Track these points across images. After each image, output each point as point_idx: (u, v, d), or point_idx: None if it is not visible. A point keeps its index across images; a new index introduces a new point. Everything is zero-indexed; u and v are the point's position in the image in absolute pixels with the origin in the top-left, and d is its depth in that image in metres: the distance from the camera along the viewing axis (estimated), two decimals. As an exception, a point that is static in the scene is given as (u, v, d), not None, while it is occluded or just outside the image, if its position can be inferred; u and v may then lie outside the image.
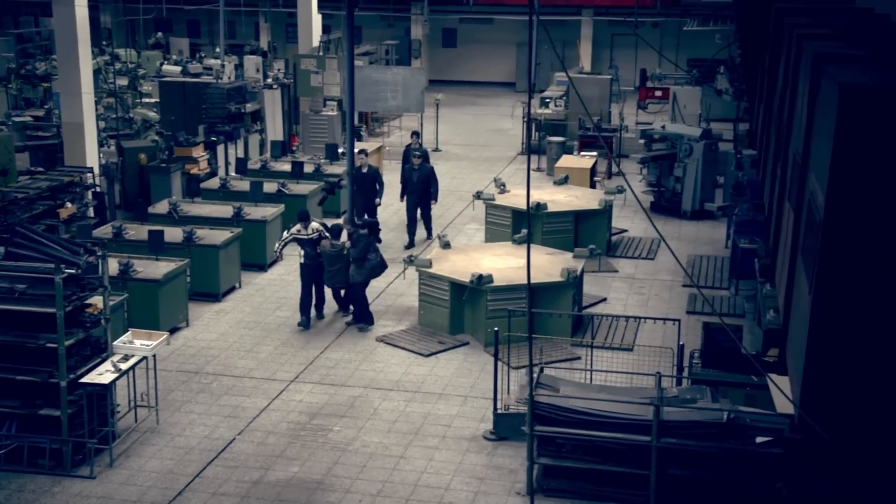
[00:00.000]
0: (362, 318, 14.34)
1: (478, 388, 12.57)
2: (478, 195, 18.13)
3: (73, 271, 10.19)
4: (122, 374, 10.67)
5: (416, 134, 20.09)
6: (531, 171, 24.06)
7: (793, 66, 6.77)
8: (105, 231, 15.42)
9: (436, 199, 18.51)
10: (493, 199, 17.86)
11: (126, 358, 10.90)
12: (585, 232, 17.36)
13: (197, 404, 12.00)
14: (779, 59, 8.42)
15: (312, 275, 14.47)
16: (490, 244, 16.27)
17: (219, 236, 15.38)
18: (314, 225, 14.44)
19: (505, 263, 14.56)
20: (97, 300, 10.79)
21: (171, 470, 10.50)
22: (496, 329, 11.40)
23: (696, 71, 26.90)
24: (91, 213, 16.99)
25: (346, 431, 11.40)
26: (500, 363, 12.85)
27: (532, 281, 13.91)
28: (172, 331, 13.73)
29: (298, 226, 14.44)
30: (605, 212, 17.59)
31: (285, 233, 14.84)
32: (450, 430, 11.49)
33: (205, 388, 12.43)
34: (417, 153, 18.20)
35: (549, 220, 17.09)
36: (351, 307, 14.70)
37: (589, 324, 14.42)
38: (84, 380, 10.40)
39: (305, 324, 14.36)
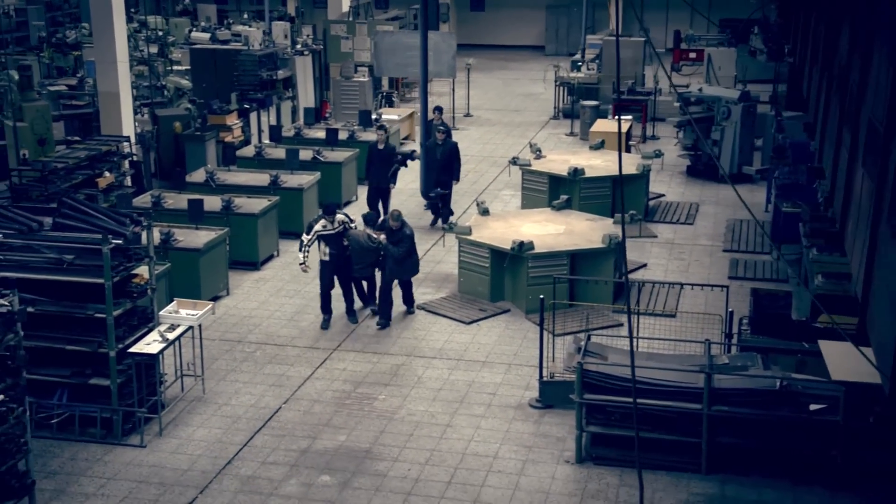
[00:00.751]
0: (385, 315, 13.28)
1: (521, 355, 12.53)
2: (514, 161, 17.97)
3: (119, 242, 10.19)
4: (170, 344, 10.70)
5: (438, 109, 18.77)
6: (565, 136, 23.91)
7: (865, 32, 6.56)
8: (143, 200, 15.42)
9: (457, 179, 17.28)
10: (530, 165, 17.70)
11: (172, 328, 10.92)
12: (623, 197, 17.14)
13: (241, 373, 12.03)
14: (839, 22, 8.20)
15: (336, 271, 13.29)
16: (529, 210, 16.15)
17: (257, 205, 15.35)
18: (340, 217, 13.13)
19: (545, 230, 14.44)
20: (143, 270, 10.80)
21: (220, 439, 10.55)
22: (541, 297, 11.31)
23: (730, 31, 26.46)
24: (128, 182, 17.00)
25: (392, 400, 11.40)
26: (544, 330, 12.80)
27: (573, 247, 13.89)
28: (213, 299, 13.74)
29: (323, 220, 13.04)
30: (643, 176, 17.40)
31: (305, 236, 13.14)
32: (495, 398, 11.46)
33: (248, 357, 12.46)
34: (441, 128, 17.10)
35: (587, 185, 16.92)
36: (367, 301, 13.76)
37: (630, 290, 14.30)
38: (132, 349, 10.43)
39: (326, 324, 13.26)
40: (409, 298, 13.71)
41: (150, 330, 10.83)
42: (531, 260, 13.59)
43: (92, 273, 10.10)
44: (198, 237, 13.89)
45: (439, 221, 17.08)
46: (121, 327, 10.39)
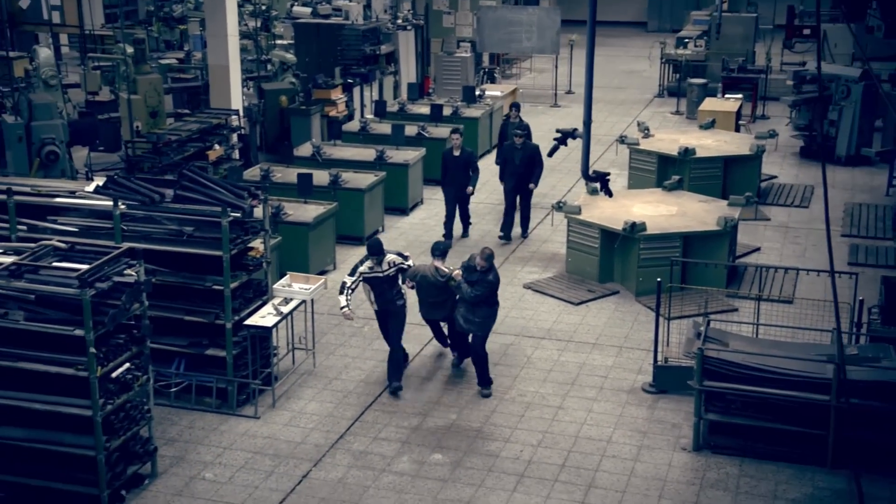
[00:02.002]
0: (485, 380, 10.92)
1: (632, 338, 12.27)
2: (622, 139, 17.59)
3: (238, 215, 10.26)
4: (284, 317, 10.76)
5: (515, 106, 17.05)
6: (671, 115, 23.32)
7: None
8: (252, 173, 15.57)
9: (536, 184, 15.45)
10: (638, 144, 17.30)
11: (286, 301, 10.98)
12: (735, 178, 16.66)
13: (351, 348, 12.06)
14: None
15: (384, 325, 11.17)
16: (639, 190, 15.78)
17: (363, 180, 15.35)
18: (390, 258, 10.88)
19: (656, 211, 14.09)
20: (258, 244, 10.87)
21: (331, 413, 10.59)
22: (658, 280, 11.02)
23: (843, 7, 25.37)
24: (237, 155, 17.20)
25: (502, 380, 11.28)
26: (654, 312, 12.51)
27: (686, 229, 13.52)
28: (320, 273, 13.79)
29: (369, 261, 10.80)
30: (757, 157, 16.84)
31: (348, 277, 10.93)
32: (606, 381, 11.24)
33: (357, 333, 12.48)
34: (520, 131, 15.29)
35: (698, 166, 16.46)
36: (450, 347, 11.72)
37: (743, 274, 13.88)
38: (248, 322, 10.53)
39: (395, 390, 10.93)
40: (481, 376, 11.04)
41: (265, 303, 10.91)
42: (643, 241, 13.27)
43: (211, 245, 10.20)
44: (307, 211, 13.96)
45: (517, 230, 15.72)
46: (237, 299, 10.48)
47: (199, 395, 10.65)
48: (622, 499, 9.04)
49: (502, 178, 15.59)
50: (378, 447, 9.95)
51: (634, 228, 13.19)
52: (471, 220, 15.68)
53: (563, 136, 14.92)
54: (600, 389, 11.05)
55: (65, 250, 8.77)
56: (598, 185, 13.26)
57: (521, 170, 15.13)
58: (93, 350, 8.32)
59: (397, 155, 16.67)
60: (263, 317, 10.64)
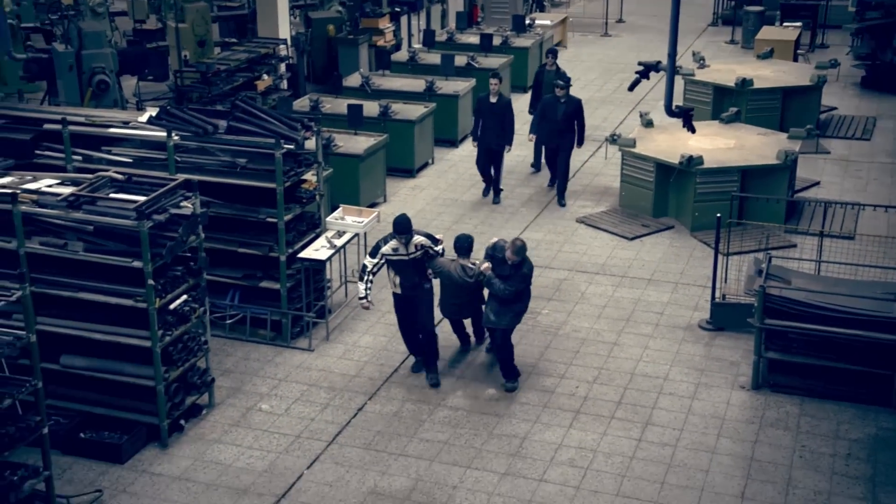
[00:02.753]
0: (510, 372, 9.79)
1: (688, 274, 12.07)
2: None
3: (291, 147, 10.15)
4: (337, 250, 10.70)
5: (551, 53, 15.46)
6: (726, 44, 22.69)
7: None
8: (302, 104, 15.41)
9: (581, 142, 14.14)
10: (693, 75, 16.85)
11: (339, 234, 10.91)
12: (793, 110, 16.20)
13: (403, 281, 11.99)
14: None
15: (407, 311, 9.93)
16: (695, 122, 15.33)
17: (414, 111, 15.14)
18: (418, 240, 9.55)
19: (713, 144, 13.74)
20: (310, 176, 10.77)
21: (385, 347, 10.57)
22: (718, 215, 10.76)
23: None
24: (285, 85, 17.03)
25: (556, 315, 11.18)
26: (710, 248, 12.30)
27: (745, 163, 13.17)
28: (371, 206, 13.70)
29: (394, 241, 9.55)
30: (817, 88, 16.33)
31: (368, 259, 9.69)
32: (662, 317, 11.09)
33: (409, 265, 12.40)
34: (561, 83, 13.83)
35: (755, 97, 16.02)
36: (476, 338, 10.56)
37: (802, 210, 13.55)
38: (301, 255, 10.49)
39: (418, 367, 10.05)
40: (478, 332, 10.47)
41: (318, 236, 10.85)
42: (700, 175, 12.97)
43: (264, 177, 10.11)
44: (357, 143, 13.81)
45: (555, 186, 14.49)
46: (290, 232, 10.42)
47: (254, 327, 10.68)
48: (680, 437, 8.96)
49: (538, 133, 14.20)
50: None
51: (691, 162, 12.89)
52: (502, 187, 14.24)
53: (646, 69, 14.10)
54: (656, 326, 10.91)
55: (122, 181, 8.73)
56: (681, 120, 12.70)
57: (563, 125, 13.76)
58: (151, 282, 8.32)
59: (447, 86, 16.40)
60: (317, 250, 10.59)
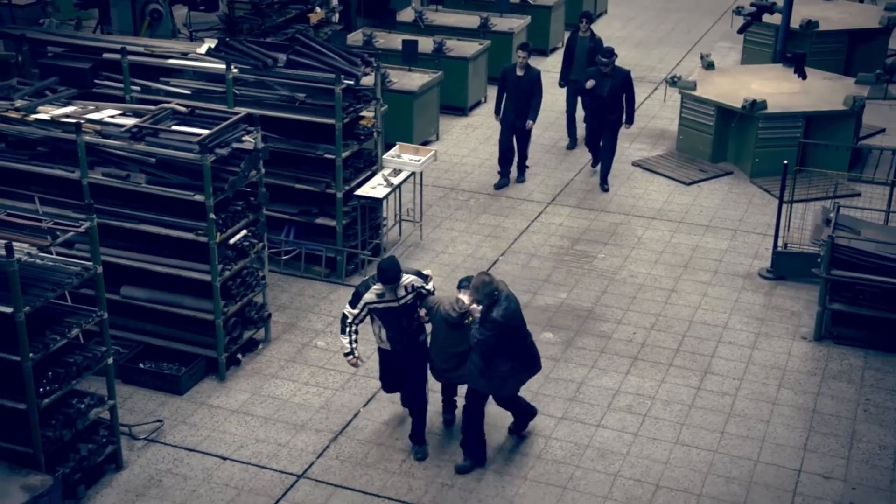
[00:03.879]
0: (470, 445, 7.87)
1: (747, 221, 11.84)
2: (738, 11, 16.61)
3: (351, 82, 9.99)
4: (394, 189, 10.59)
5: (586, 16, 13.42)
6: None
7: None
8: (355, 38, 15.18)
9: (631, 121, 12.50)
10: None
11: (395, 172, 10.79)
12: (859, 54, 15.71)
13: (457, 221, 11.89)
14: None
15: (396, 369, 8.07)
16: (757, 66, 14.97)
17: (468, 48, 14.86)
18: (407, 280, 7.72)
19: (776, 88, 13.37)
20: (368, 113, 10.62)
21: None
22: (785, 162, 10.49)
23: None
24: (336, 18, 16.76)
25: (612, 259, 11.03)
26: (770, 196, 12.07)
27: (810, 108, 12.81)
28: (423, 144, 13.55)
29: (377, 286, 7.65)
30: (885, 31, 15.80)
31: (348, 309, 7.76)
32: (721, 265, 10.91)
33: (462, 206, 12.29)
34: (605, 60, 12.04)
35: (820, 40, 15.53)
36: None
37: (867, 157, 13.19)
38: (358, 192, 10.39)
39: (422, 456, 8.03)
40: (519, 419, 8.22)
41: (374, 173, 10.73)
42: (762, 120, 12.65)
43: (323, 113, 9.98)
44: (412, 79, 13.60)
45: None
46: (347, 169, 10.32)
47: (308, 263, 10.65)
48: (739, 386, 8.85)
49: (579, 108, 13.20)
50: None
51: (754, 106, 12.56)
52: (528, 164, 12.93)
53: (759, 10, 13.68)
54: (714, 273, 10.73)
55: (184, 114, 8.64)
56: (793, 66, 12.17)
57: (609, 101, 12.20)
58: (212, 216, 8.28)
59: (501, 23, 16.07)
60: (374, 187, 10.48)
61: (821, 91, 13.27)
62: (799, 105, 12.85)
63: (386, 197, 10.50)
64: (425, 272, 7.98)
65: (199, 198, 8.25)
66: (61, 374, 7.01)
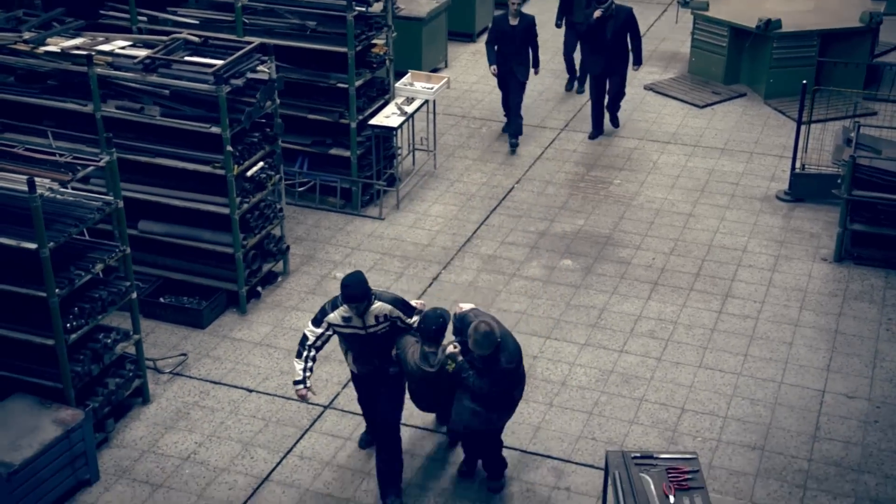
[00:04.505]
0: (496, 468, 6.98)
1: (763, 143, 11.73)
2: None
3: (362, 9, 9.78)
4: (408, 117, 10.45)
5: None
6: None
7: None
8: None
9: (639, 62, 11.70)
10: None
11: (409, 101, 10.63)
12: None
13: (470, 149, 11.77)
14: None
15: (370, 391, 6.99)
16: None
17: (475, -28, 14.55)
18: (380, 308, 6.48)
19: (790, 6, 13.11)
20: (380, 40, 10.42)
21: (456, 216, 10.44)
22: (804, 81, 10.34)
23: None
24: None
25: (628, 185, 10.95)
26: (786, 117, 11.96)
27: (825, 26, 12.59)
28: (433, 71, 13.34)
29: (344, 307, 6.49)
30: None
31: (310, 329, 6.65)
32: (738, 188, 10.83)
33: (474, 133, 12.16)
34: (601, 6, 11.09)
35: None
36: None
37: (883, 75, 13.02)
38: (372, 121, 10.25)
39: (364, 444, 7.35)
40: (491, 466, 6.99)
41: (387, 102, 10.58)
42: (777, 40, 12.44)
43: (335, 41, 9.79)
44: (420, 5, 13.33)
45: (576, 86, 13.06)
46: (361, 98, 10.17)
47: (323, 195, 10.56)
48: (761, 309, 8.85)
49: (577, 55, 12.51)
50: (506, 251, 9.82)
51: (769, 26, 12.33)
52: (522, 128, 11.57)
53: None
54: (732, 197, 10.67)
55: (197, 44, 8.47)
56: None
57: (612, 43, 11.32)
58: (229, 148, 8.17)
59: (507, -55, 15.67)
60: (387, 116, 10.34)
61: (836, 8, 13.03)
62: (814, 23, 12.63)
63: (400, 126, 10.37)
64: (414, 303, 6.66)
65: (215, 130, 8.13)
66: (87, 309, 6.99)
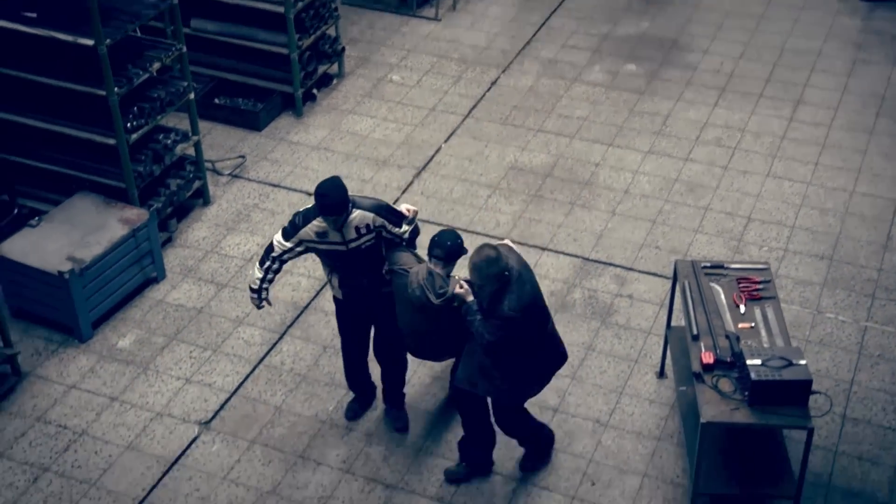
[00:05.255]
0: (534, 459, 5.84)
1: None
2: None
3: None
4: None
5: None
6: None
7: None
8: None
9: None
10: None
11: None
12: None
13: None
14: None
15: (356, 326, 5.94)
16: None
17: None
18: (361, 217, 5.42)
19: None
20: None
21: (515, 17, 10.02)
22: None
23: None
24: None
25: (697, -15, 10.37)
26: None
27: None
28: None
29: (317, 221, 5.44)
30: None
31: (278, 240, 5.57)
32: (814, -11, 10.24)
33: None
34: None
35: None
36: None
37: None
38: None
39: (351, 413, 6.18)
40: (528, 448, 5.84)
41: None
42: None
43: None
44: None
45: None
46: None
47: (377, -7, 10.17)
48: (834, 116, 8.51)
49: None
50: (568, 55, 9.46)
51: None
52: None
53: None
54: (807, -2, 10.10)
55: None
56: None
57: None
58: (283, -59, 7.77)
59: None
60: None
61: None
62: None
63: (458, -81, 9.79)
64: (403, 208, 5.61)
65: (267, -80, 7.70)
66: (146, 108, 6.87)
